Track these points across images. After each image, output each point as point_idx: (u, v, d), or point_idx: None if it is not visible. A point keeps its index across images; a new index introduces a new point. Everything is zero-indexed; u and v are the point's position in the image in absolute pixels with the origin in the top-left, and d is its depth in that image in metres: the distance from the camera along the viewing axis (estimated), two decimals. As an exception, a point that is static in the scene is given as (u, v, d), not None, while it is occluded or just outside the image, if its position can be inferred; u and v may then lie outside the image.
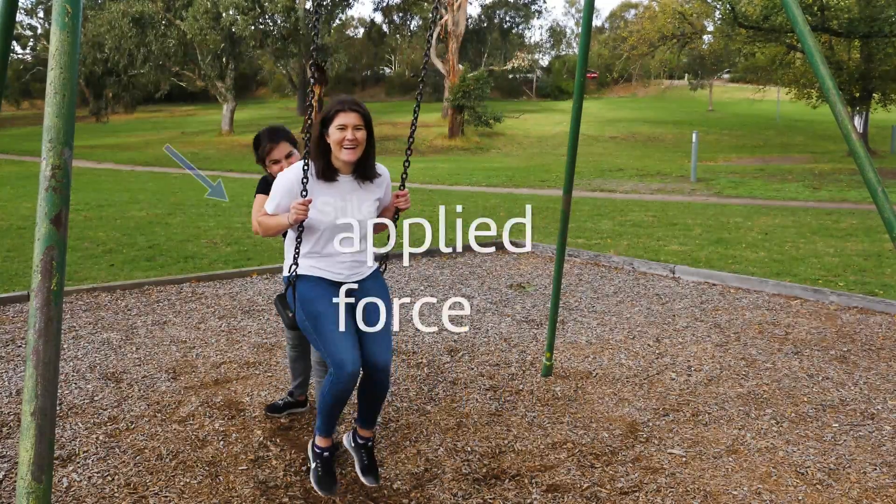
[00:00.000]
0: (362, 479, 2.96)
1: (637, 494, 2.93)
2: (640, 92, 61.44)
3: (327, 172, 2.80)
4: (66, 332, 5.08)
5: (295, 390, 3.75)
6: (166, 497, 2.89)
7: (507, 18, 55.98)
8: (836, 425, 3.59)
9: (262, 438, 3.44)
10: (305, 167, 2.72)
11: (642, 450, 3.33)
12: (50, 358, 1.50)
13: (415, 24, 57.61)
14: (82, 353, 4.65)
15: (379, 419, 3.66)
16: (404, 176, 2.96)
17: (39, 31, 52.43)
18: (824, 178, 17.72)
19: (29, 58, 52.86)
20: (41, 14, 51.15)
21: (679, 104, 51.43)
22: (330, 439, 2.95)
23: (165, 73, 34.84)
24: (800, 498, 2.90)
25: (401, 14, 57.93)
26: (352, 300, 2.79)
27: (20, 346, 4.78)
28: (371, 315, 2.80)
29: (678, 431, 3.53)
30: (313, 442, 2.99)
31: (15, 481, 2.74)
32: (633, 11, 61.73)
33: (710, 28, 28.95)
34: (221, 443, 3.39)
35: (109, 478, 3.05)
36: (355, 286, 2.87)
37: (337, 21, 40.78)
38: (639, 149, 30.83)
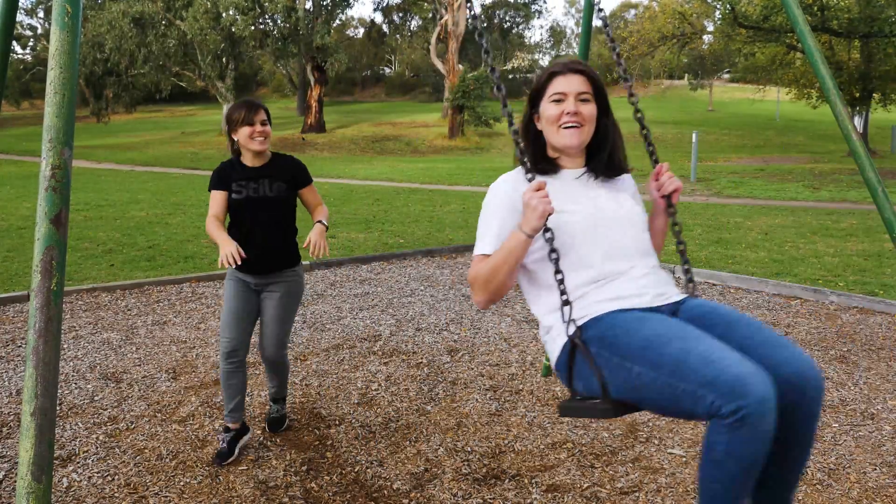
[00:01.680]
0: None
1: (637, 494, 2.93)
2: (640, 92, 61.45)
3: (544, 165, 1.97)
4: (66, 332, 5.08)
5: (232, 415, 3.24)
6: (166, 497, 2.89)
7: (507, 18, 55.97)
8: (836, 425, 3.59)
9: (262, 438, 3.44)
10: (526, 162, 1.90)
11: (642, 450, 3.33)
12: (50, 358, 1.50)
13: (415, 23, 57.62)
14: (82, 353, 4.65)
15: (379, 419, 3.65)
16: (651, 148, 2.14)
17: (39, 31, 52.44)
18: (824, 178, 17.72)
19: (29, 58, 52.87)
20: (41, 14, 51.16)
21: (679, 104, 51.43)
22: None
23: (165, 73, 34.83)
24: (800, 498, 2.90)
25: (401, 14, 57.92)
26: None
27: (20, 346, 4.78)
28: (728, 321, 1.79)
29: (678, 431, 3.53)
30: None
31: (15, 481, 2.74)
32: (633, 11, 61.74)
33: (710, 28, 28.96)
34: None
35: (109, 478, 3.05)
36: (675, 310, 1.88)
37: (337, 21, 40.77)
38: (639, 149, 30.70)
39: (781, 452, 1.61)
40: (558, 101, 1.91)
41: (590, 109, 1.93)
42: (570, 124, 1.90)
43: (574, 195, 1.93)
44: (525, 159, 1.89)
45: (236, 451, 3.20)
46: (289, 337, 3.41)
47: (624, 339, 1.67)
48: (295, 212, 3.32)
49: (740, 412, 1.43)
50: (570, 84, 1.91)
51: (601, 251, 1.87)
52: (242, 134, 3.10)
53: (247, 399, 3.92)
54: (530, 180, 1.83)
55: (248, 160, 3.19)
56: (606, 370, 1.68)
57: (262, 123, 3.11)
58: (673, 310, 1.87)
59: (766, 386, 1.46)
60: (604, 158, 2.01)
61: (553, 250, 1.78)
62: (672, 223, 2.02)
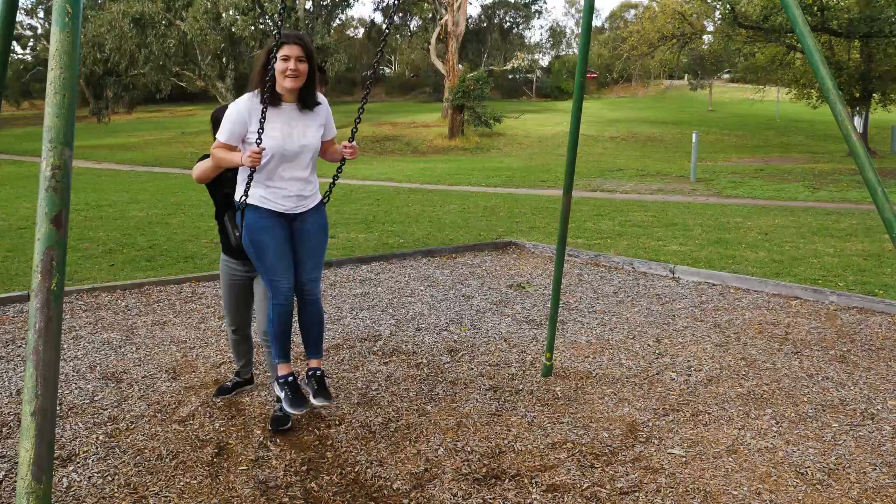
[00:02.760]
0: (314, 401, 3.24)
1: (637, 494, 2.93)
2: (640, 92, 61.44)
3: (272, 98, 3.05)
4: (66, 332, 5.08)
5: (241, 370, 3.98)
6: (166, 497, 2.89)
7: (508, 18, 55.99)
8: (836, 425, 3.59)
9: (262, 438, 3.45)
10: (255, 95, 3.07)
11: (642, 450, 3.33)
12: (50, 358, 1.50)
13: (415, 24, 57.60)
14: (82, 353, 4.65)
15: (379, 419, 3.66)
16: (354, 130, 3.19)
17: (39, 31, 52.42)
18: (824, 178, 17.72)
19: (29, 58, 52.86)
20: (41, 14, 51.14)
21: (679, 104, 51.42)
22: (289, 365, 3.29)
23: (165, 73, 34.81)
24: (800, 498, 2.90)
25: (401, 14, 57.90)
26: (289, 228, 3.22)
27: (20, 346, 4.78)
28: (304, 243, 3.23)
29: (678, 431, 3.53)
30: (276, 377, 3.32)
31: (15, 481, 2.74)
32: (633, 11, 61.73)
33: (710, 28, 28.95)
34: (221, 443, 3.39)
35: (109, 478, 3.05)
36: (297, 217, 3.23)
37: (337, 21, 40.79)
38: (639, 149, 30.81)
39: (304, 326, 3.35)
40: (286, 59, 3.07)
41: (304, 67, 3.10)
42: (291, 74, 3.08)
43: (280, 125, 3.11)
44: (265, 95, 3.04)
45: (233, 392, 3.97)
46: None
47: (254, 233, 3.15)
48: None
49: (275, 302, 3.19)
50: (293, 50, 3.08)
51: (271, 168, 3.13)
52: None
53: (247, 399, 3.92)
54: (262, 125, 3.01)
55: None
56: (244, 236, 3.22)
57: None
58: (293, 218, 3.24)
59: (289, 292, 3.19)
60: (308, 96, 3.19)
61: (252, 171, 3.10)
62: (338, 167, 3.46)
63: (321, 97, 3.28)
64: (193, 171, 3.34)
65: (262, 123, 2.99)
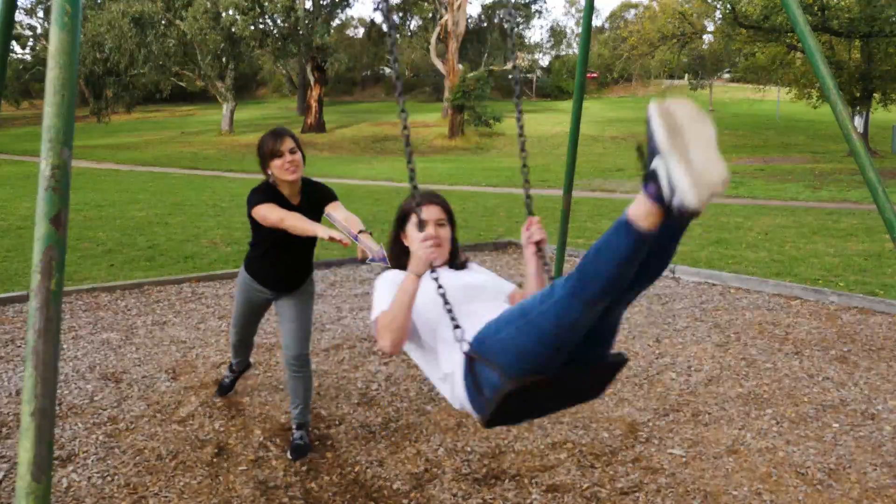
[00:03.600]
0: None
1: (637, 494, 2.93)
2: (640, 92, 61.39)
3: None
4: (66, 332, 5.08)
5: (240, 363, 3.85)
6: (166, 497, 2.89)
7: (508, 18, 55.98)
8: (837, 425, 3.59)
9: (262, 438, 3.44)
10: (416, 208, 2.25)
11: (642, 450, 3.33)
12: (50, 358, 1.50)
13: (415, 24, 57.61)
14: (82, 353, 4.65)
15: (378, 419, 3.66)
16: (528, 201, 2.43)
17: (39, 30, 52.37)
18: (825, 178, 17.72)
19: (28, 58, 52.82)
20: (41, 14, 51.09)
21: (679, 104, 51.32)
22: None
23: (165, 73, 34.81)
24: (800, 498, 2.90)
25: (401, 14, 57.91)
26: None
27: (20, 346, 4.78)
28: None
29: (678, 431, 3.53)
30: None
31: (15, 481, 2.74)
32: (633, 11, 61.73)
33: (710, 28, 28.96)
34: (221, 443, 3.39)
35: (109, 478, 3.05)
36: None
37: (337, 21, 40.79)
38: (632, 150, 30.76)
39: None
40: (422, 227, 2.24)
41: (446, 232, 2.43)
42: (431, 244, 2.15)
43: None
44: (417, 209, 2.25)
45: (233, 387, 3.92)
46: (310, 335, 3.41)
47: (495, 324, 1.94)
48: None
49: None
50: (431, 213, 2.40)
51: (476, 300, 2.22)
52: (275, 167, 3.09)
53: (246, 399, 3.92)
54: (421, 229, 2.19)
55: (284, 191, 3.17)
56: (496, 356, 1.88)
57: (292, 151, 3.09)
58: None
59: None
60: (455, 262, 2.49)
61: (440, 286, 2.02)
62: (543, 263, 2.33)
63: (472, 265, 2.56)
64: None
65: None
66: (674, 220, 1.60)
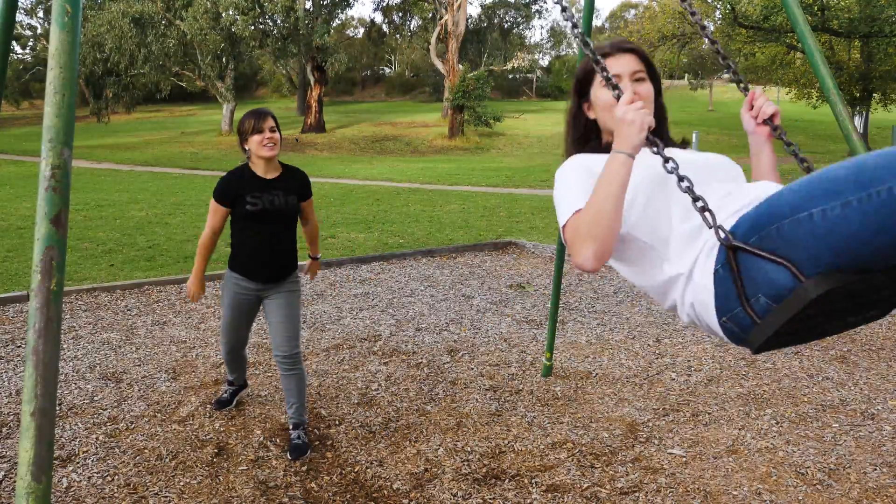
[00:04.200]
0: None
1: (637, 494, 2.93)
2: (640, 92, 61.36)
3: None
4: (66, 332, 5.08)
5: (236, 380, 3.81)
6: (166, 497, 2.89)
7: (508, 18, 55.98)
8: (836, 425, 3.59)
9: (262, 438, 3.44)
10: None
11: (642, 450, 3.33)
12: (50, 358, 1.50)
13: (415, 23, 57.61)
14: (82, 353, 4.65)
15: (379, 419, 3.66)
16: (737, 77, 1.96)
17: (39, 30, 52.41)
18: (824, 178, 17.71)
19: (29, 58, 52.84)
20: (41, 14, 51.12)
21: (679, 104, 51.40)
22: None
23: (165, 73, 34.81)
24: (800, 498, 2.90)
25: (401, 14, 57.91)
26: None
27: (20, 346, 4.78)
28: None
29: (678, 431, 3.53)
30: None
31: (15, 481, 2.74)
32: (633, 11, 61.74)
33: (711, 28, 28.94)
34: (221, 443, 3.39)
35: (109, 478, 3.05)
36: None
37: (337, 21, 40.77)
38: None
39: None
40: (616, 86, 1.62)
41: (647, 89, 1.74)
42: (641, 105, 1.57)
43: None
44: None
45: (234, 402, 3.82)
46: (299, 333, 3.43)
47: (779, 204, 1.33)
48: (296, 223, 3.45)
49: None
50: (622, 64, 1.73)
51: (714, 180, 1.63)
52: (253, 142, 3.22)
53: (247, 399, 3.92)
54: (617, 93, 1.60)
55: (259, 170, 3.29)
56: (783, 247, 1.29)
57: (272, 130, 3.22)
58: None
59: None
60: (665, 133, 1.85)
61: (677, 169, 1.47)
62: (785, 143, 1.81)
63: None
64: None
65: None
66: None
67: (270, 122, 3.23)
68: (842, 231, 1.21)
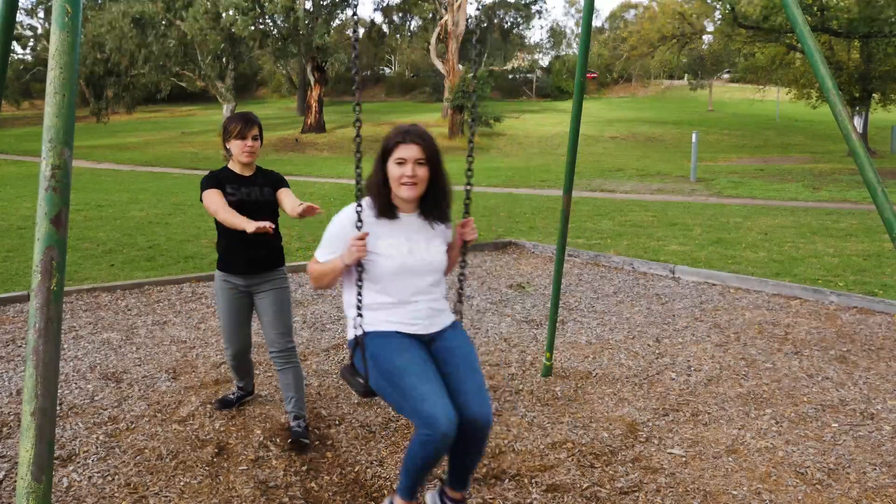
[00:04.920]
0: None
1: (637, 494, 2.93)
2: (640, 92, 61.41)
3: (387, 210, 2.48)
4: (66, 332, 5.08)
5: (245, 385, 3.84)
6: (166, 497, 2.89)
7: (508, 19, 55.98)
8: (836, 425, 3.59)
9: (262, 438, 3.44)
10: (359, 208, 2.43)
11: (642, 450, 3.33)
12: (50, 358, 1.50)
13: (415, 24, 57.61)
14: (82, 353, 4.65)
15: (379, 419, 3.66)
16: (467, 201, 2.59)
17: (39, 31, 52.41)
18: (824, 178, 17.72)
19: (29, 58, 52.85)
20: (41, 14, 51.13)
21: (679, 104, 51.41)
22: (414, 503, 2.53)
23: (165, 73, 34.80)
24: (800, 498, 2.90)
25: (401, 14, 57.92)
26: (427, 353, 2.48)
27: (20, 346, 4.78)
28: (458, 363, 2.45)
29: (678, 431, 3.53)
30: (391, 502, 2.58)
31: (15, 481, 2.74)
32: (633, 12, 61.75)
33: (710, 28, 28.96)
34: (221, 443, 3.39)
35: (109, 478, 3.05)
36: (434, 338, 2.54)
37: (337, 21, 40.72)
38: (639, 149, 30.82)
39: (459, 455, 2.46)
40: (401, 163, 2.43)
41: (423, 172, 2.45)
42: (407, 182, 2.43)
43: (398, 240, 2.50)
44: (359, 209, 2.43)
45: (236, 403, 3.82)
46: (291, 328, 3.50)
47: (383, 361, 2.40)
48: (278, 217, 3.49)
49: (428, 437, 2.23)
50: (409, 152, 2.43)
51: (400, 287, 2.50)
52: (235, 146, 3.36)
53: (247, 399, 3.92)
54: (359, 228, 2.42)
55: (237, 169, 3.43)
56: (371, 372, 2.43)
57: (254, 139, 3.37)
58: (431, 338, 2.53)
59: (450, 426, 2.22)
60: (432, 208, 2.55)
61: (360, 279, 2.45)
62: (461, 261, 2.67)
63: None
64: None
65: (359, 220, 2.44)
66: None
67: (255, 132, 3.37)
68: (384, 394, 2.45)
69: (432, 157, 2.46)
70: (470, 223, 2.58)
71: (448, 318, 2.61)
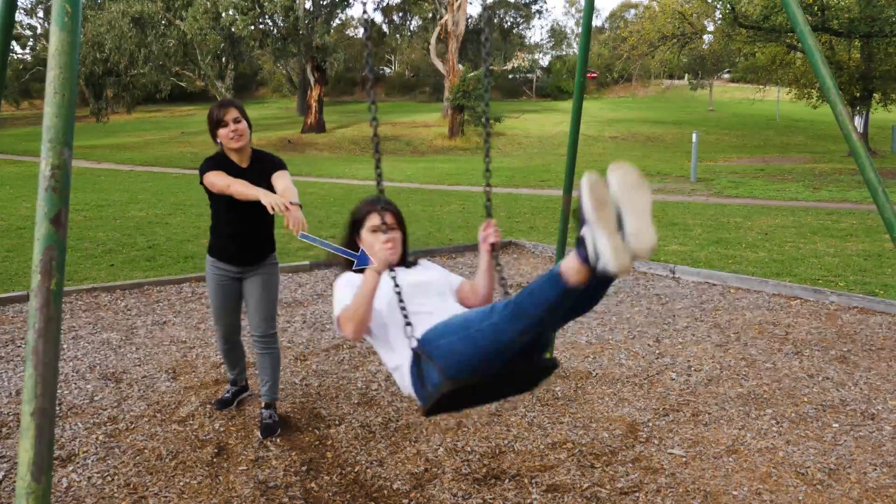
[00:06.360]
0: None
1: (637, 494, 2.93)
2: (640, 92, 61.41)
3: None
4: (66, 332, 5.08)
5: (237, 378, 3.85)
6: (166, 497, 2.89)
7: (508, 18, 56.00)
8: (837, 425, 3.59)
9: (261, 438, 3.44)
10: (382, 212, 2.42)
11: (642, 450, 3.33)
12: (50, 358, 1.50)
13: (415, 24, 57.62)
14: (82, 353, 4.65)
15: (378, 419, 3.66)
16: (488, 203, 2.48)
17: (39, 31, 52.42)
18: (824, 178, 17.72)
19: (28, 58, 52.84)
20: (41, 14, 51.13)
21: (679, 104, 51.41)
22: None
23: (165, 73, 34.82)
24: (800, 498, 2.90)
25: (400, 14, 57.93)
26: None
27: (20, 346, 4.78)
28: None
29: (678, 431, 3.53)
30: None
31: (15, 481, 2.74)
32: (633, 11, 61.72)
33: (710, 28, 28.95)
34: (221, 443, 3.39)
35: (109, 478, 3.05)
36: None
37: (337, 21, 40.75)
38: (639, 149, 30.81)
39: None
40: (375, 231, 2.54)
41: (397, 234, 2.58)
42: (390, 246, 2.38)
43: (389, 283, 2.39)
44: (382, 214, 2.43)
45: (235, 402, 3.80)
46: (275, 314, 3.57)
47: (440, 332, 2.14)
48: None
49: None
50: (385, 218, 2.47)
51: (423, 295, 2.43)
52: (221, 135, 3.32)
53: (247, 399, 3.92)
54: (385, 231, 2.37)
55: (233, 157, 3.39)
56: (438, 358, 2.09)
57: (236, 121, 3.29)
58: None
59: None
60: (406, 262, 2.65)
61: (397, 285, 2.23)
62: (495, 263, 2.48)
63: (427, 263, 2.72)
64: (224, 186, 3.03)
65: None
66: (599, 279, 1.85)
67: (234, 113, 3.28)
68: (457, 354, 2.00)
69: (401, 222, 2.64)
70: (491, 225, 2.45)
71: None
